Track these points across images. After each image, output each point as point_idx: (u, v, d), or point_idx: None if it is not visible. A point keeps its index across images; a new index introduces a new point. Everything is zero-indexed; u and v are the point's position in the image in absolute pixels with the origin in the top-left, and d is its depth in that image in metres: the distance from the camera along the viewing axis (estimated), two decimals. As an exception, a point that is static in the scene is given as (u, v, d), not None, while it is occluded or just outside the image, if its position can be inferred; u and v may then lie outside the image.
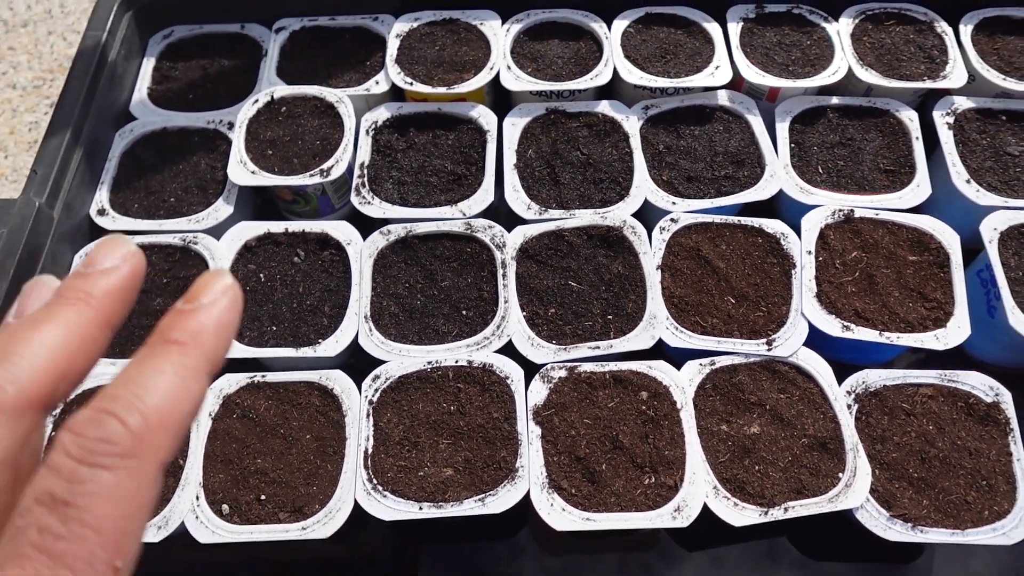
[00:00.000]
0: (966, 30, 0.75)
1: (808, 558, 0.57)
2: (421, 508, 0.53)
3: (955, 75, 0.71)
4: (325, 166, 0.70)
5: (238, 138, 0.72)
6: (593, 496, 0.53)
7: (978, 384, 0.56)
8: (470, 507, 0.53)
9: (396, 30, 0.79)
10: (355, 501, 0.54)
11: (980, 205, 0.64)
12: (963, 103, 0.70)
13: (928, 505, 0.52)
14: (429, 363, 0.60)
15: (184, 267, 0.67)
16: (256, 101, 0.75)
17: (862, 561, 0.57)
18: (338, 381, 0.60)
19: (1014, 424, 0.54)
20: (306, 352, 0.61)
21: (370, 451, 0.56)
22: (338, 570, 0.62)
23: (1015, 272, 0.60)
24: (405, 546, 0.62)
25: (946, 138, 0.68)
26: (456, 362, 0.60)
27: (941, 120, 0.69)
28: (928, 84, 0.71)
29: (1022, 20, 0.75)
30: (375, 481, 0.55)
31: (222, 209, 0.69)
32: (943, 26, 0.75)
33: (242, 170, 0.70)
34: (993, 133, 0.69)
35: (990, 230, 0.62)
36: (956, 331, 0.58)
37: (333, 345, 0.62)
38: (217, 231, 0.68)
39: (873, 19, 0.76)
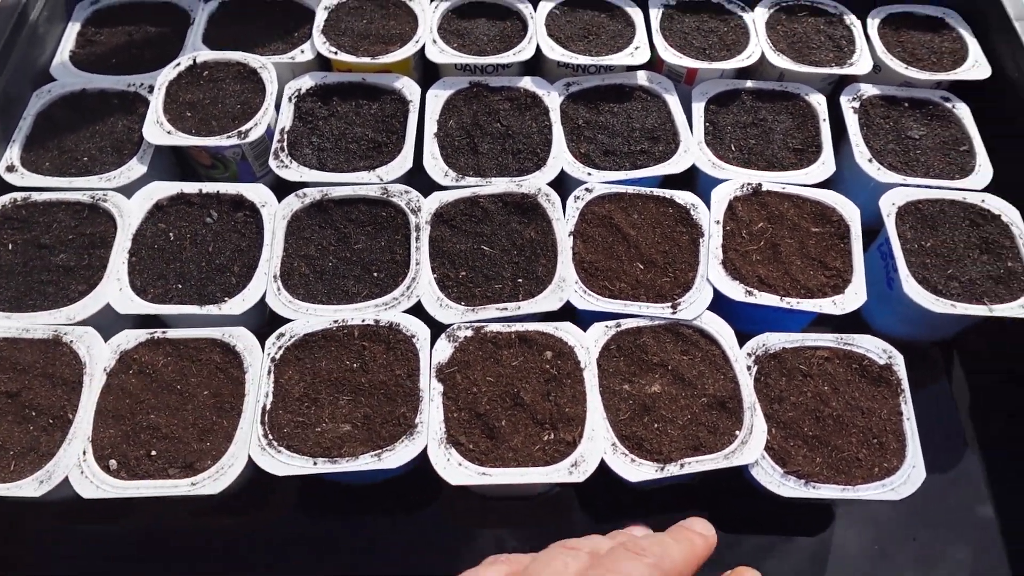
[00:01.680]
0: (873, 23, 0.74)
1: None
2: (315, 463, 0.49)
3: (861, 63, 0.70)
4: (243, 128, 0.66)
5: (156, 99, 0.67)
6: (491, 451, 0.49)
7: (872, 347, 0.54)
8: (366, 462, 0.49)
9: (325, 2, 0.75)
10: (248, 457, 0.50)
11: (881, 182, 0.62)
12: (869, 90, 0.69)
13: (821, 462, 0.50)
14: (335, 322, 0.56)
15: (92, 224, 0.62)
16: (178, 64, 0.70)
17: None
18: (240, 338, 0.55)
19: (905, 385, 0.52)
20: (210, 310, 0.57)
21: (268, 407, 0.52)
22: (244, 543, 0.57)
23: (911, 244, 0.59)
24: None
25: (851, 121, 0.67)
26: (363, 321, 0.56)
27: (848, 104, 0.68)
28: (835, 70, 0.69)
29: (925, 16, 0.75)
30: (270, 437, 0.51)
31: (135, 168, 0.64)
32: (852, 19, 0.74)
33: (158, 130, 0.65)
34: (896, 118, 0.68)
35: (889, 205, 0.60)
36: (853, 297, 0.56)
37: (239, 303, 0.57)
38: (129, 191, 0.63)
39: (787, 10, 0.75)
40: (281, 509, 0.57)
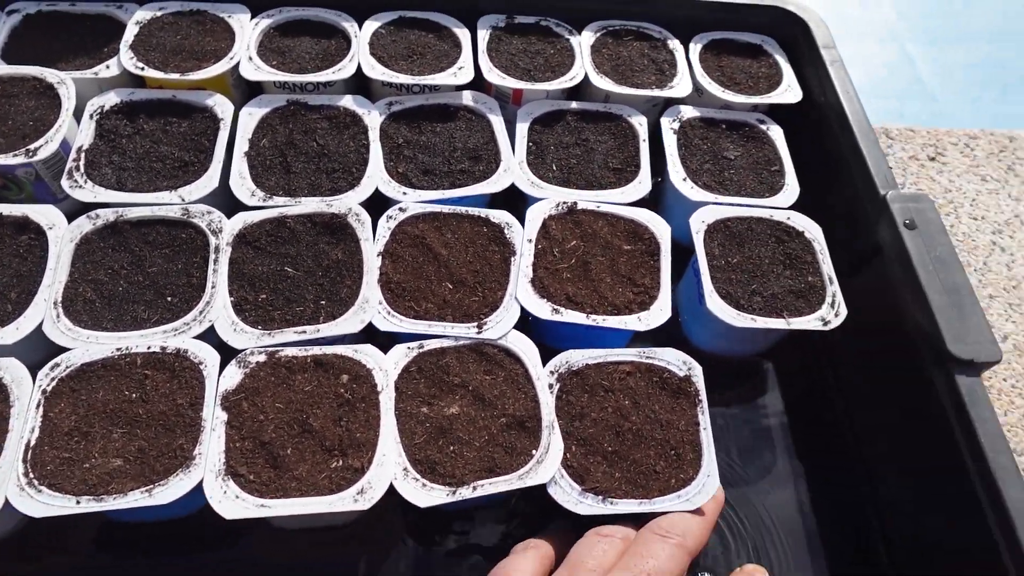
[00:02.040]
0: (695, 48, 0.78)
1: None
2: (79, 502, 0.47)
3: (681, 86, 0.74)
4: (32, 146, 0.64)
5: (-66, 115, 0.64)
6: (273, 482, 0.48)
7: (673, 360, 0.56)
8: (135, 499, 0.47)
9: (137, 17, 0.74)
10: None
11: (693, 201, 0.65)
12: (689, 112, 0.73)
13: (620, 477, 0.51)
14: (118, 350, 0.54)
15: None
16: (-36, 79, 0.67)
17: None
18: (9, 370, 0.53)
19: (703, 395, 0.54)
20: (-21, 340, 0.54)
21: (32, 444, 0.49)
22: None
23: (718, 260, 0.62)
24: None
25: (670, 141, 0.70)
26: (149, 348, 0.54)
27: (668, 126, 0.71)
28: (656, 92, 0.73)
29: (745, 43, 0.80)
30: (31, 475, 0.48)
31: (-95, 188, 0.61)
32: (675, 44, 0.78)
33: (-67, 147, 0.62)
34: (714, 139, 0.72)
35: (698, 223, 0.63)
36: (658, 313, 0.58)
37: (12, 332, 0.55)
38: None
39: (613, 34, 0.79)
40: (79, 552, 0.55)
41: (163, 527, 0.55)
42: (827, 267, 0.62)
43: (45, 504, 0.47)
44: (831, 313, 0.59)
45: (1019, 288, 0.81)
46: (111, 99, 0.68)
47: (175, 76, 0.69)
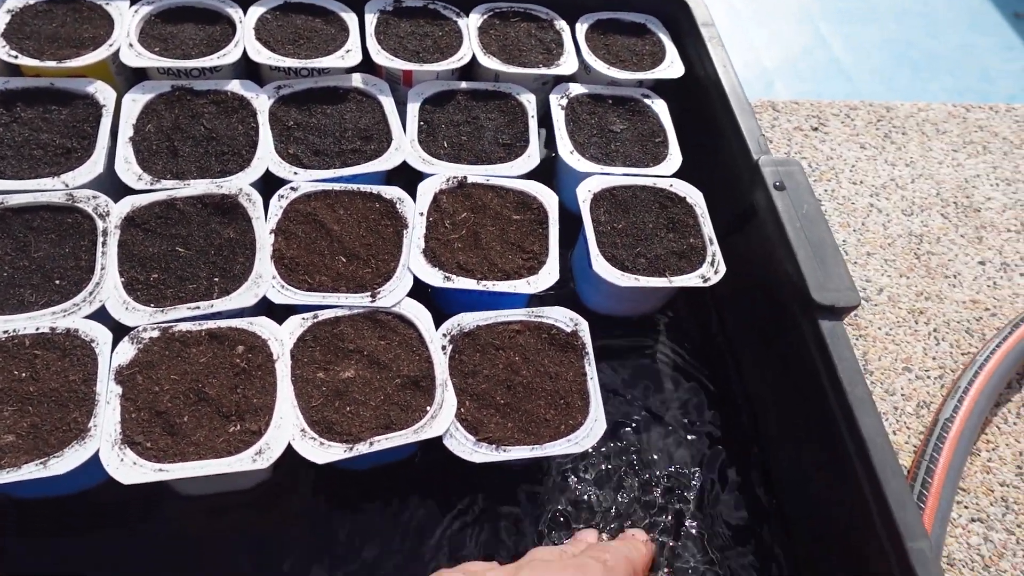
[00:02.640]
0: (582, 28, 0.85)
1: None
2: (-29, 479, 0.50)
3: (567, 64, 0.81)
4: (-97, 136, 0.66)
5: None
6: (171, 448, 0.52)
7: (560, 317, 0.62)
8: (30, 471, 0.50)
9: (8, 5, 0.77)
10: None
11: (580, 172, 0.72)
12: (576, 88, 0.80)
13: (512, 427, 0.57)
14: (4, 332, 0.57)
15: None
16: None
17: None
18: None
19: (589, 348, 0.61)
20: None
21: (-82, 427, 0.52)
22: None
23: (604, 227, 0.69)
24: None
25: (558, 116, 0.77)
26: (37, 329, 0.57)
27: (556, 102, 0.79)
28: (543, 70, 0.80)
29: (629, 22, 0.88)
30: (-81, 457, 0.51)
31: None
32: (562, 24, 0.86)
33: None
34: (600, 114, 0.79)
35: (585, 192, 0.70)
36: (546, 276, 0.64)
37: None
38: None
39: (501, 16, 0.85)
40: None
41: (72, 503, 0.58)
42: (708, 229, 0.70)
43: (-65, 484, 0.50)
44: (711, 271, 0.67)
45: (894, 245, 0.91)
46: (-15, 88, 0.71)
47: (52, 64, 0.72)
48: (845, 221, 0.93)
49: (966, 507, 0.74)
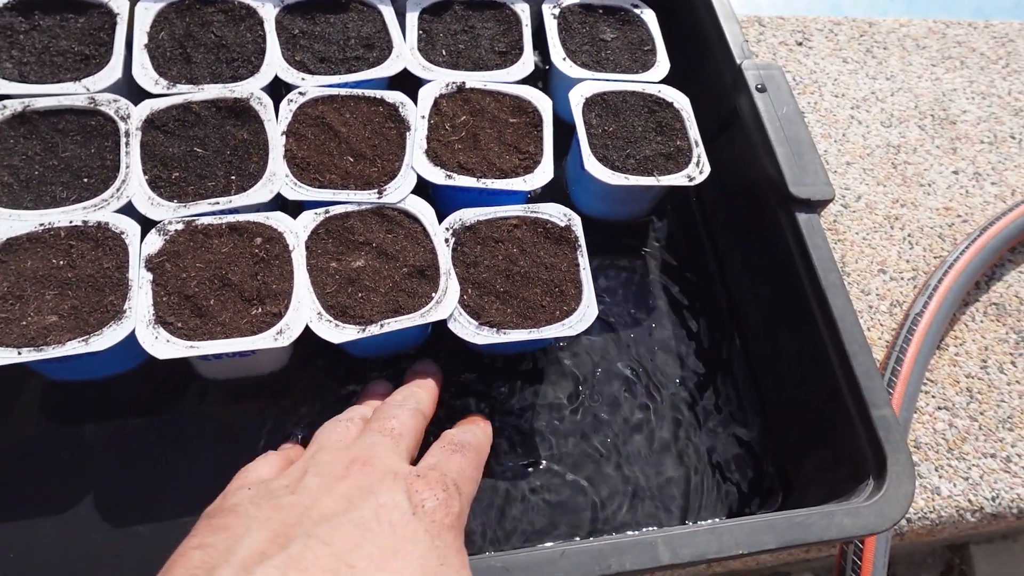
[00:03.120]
0: (575, -61, 0.87)
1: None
2: (20, 353, 0.55)
3: (561, -26, 0.84)
4: (-72, 42, 0.69)
5: None
6: (200, 328, 0.57)
7: (555, 212, 0.67)
8: (73, 347, 0.55)
9: (20, -84, 0.78)
10: (-51, 355, 0.55)
11: (572, 78, 0.76)
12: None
13: (511, 312, 0.62)
14: (41, 225, 0.61)
15: None
16: None
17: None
18: (-63, 246, 0.59)
19: (582, 242, 0.65)
20: (-99, 223, 0.60)
21: (-32, 308, 0.57)
22: None
23: (596, 130, 0.73)
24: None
25: (551, 26, 0.80)
26: (71, 222, 0.62)
27: (548, 12, 0.81)
28: (537, -20, 0.82)
29: (622, -67, 0.90)
30: (-29, 334, 0.56)
31: None
32: (556, -66, 0.88)
33: None
34: (592, 24, 0.82)
35: (577, 96, 0.74)
36: (541, 174, 0.68)
37: (-67, 217, 0.61)
38: None
39: (497, -73, 0.87)
40: (27, 422, 0.63)
41: (104, 388, 0.63)
42: (693, 132, 0.74)
43: (-12, 358, 0.55)
44: (696, 171, 0.71)
45: (872, 155, 0.95)
46: (3, -3, 0.74)
47: (67, -28, 0.75)
48: (827, 132, 0.97)
49: (933, 396, 0.80)
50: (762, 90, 0.72)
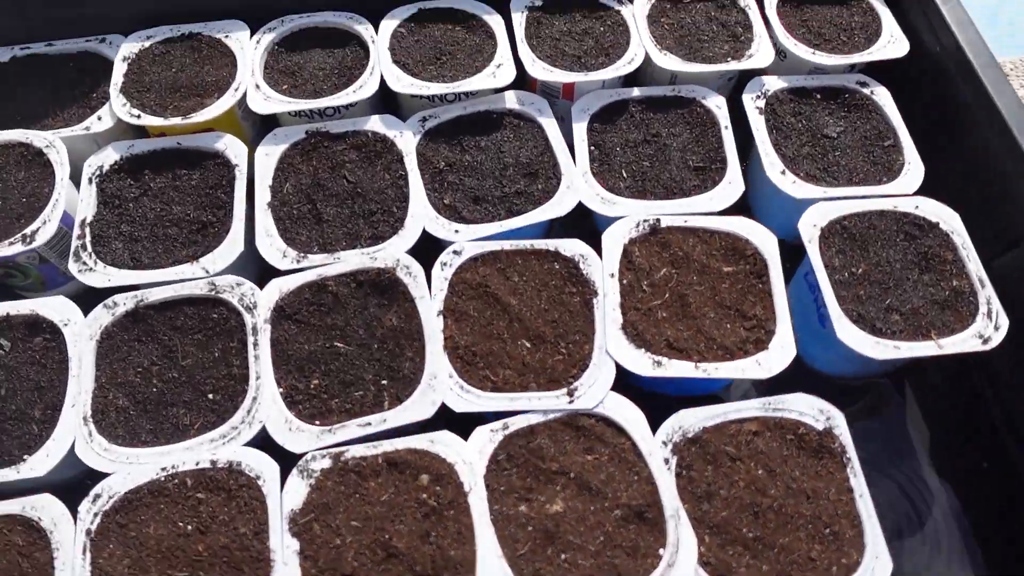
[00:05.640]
0: (771, 3, 0.67)
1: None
2: (145, 672, 0.42)
3: (761, 53, 0.64)
4: (29, 230, 0.57)
5: (-84, 206, 0.58)
6: (364, 626, 0.43)
7: (806, 409, 0.48)
8: (208, 663, 0.42)
9: (124, 52, 0.66)
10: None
11: (797, 199, 0.56)
12: (774, 83, 0.63)
13: (768, 570, 0.44)
14: (163, 470, 0.48)
15: None
16: (-58, 156, 0.60)
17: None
18: (46, 509, 0.47)
19: (851, 452, 0.47)
20: (7, 475, 0.49)
21: (83, 602, 0.44)
22: None
23: (840, 273, 0.53)
24: None
25: (757, 124, 0.61)
26: (197, 464, 0.48)
27: (751, 104, 0.62)
28: (732, 65, 0.63)
29: (828, -15, 0.69)
30: (87, 642, 0.43)
31: None
32: (747, 0, 0.68)
33: (-80, 247, 0.56)
34: (808, 114, 0.62)
35: (810, 227, 0.54)
36: (780, 353, 0.50)
37: (43, 461, 0.49)
38: None
39: (671, -3, 0.69)
40: None
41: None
42: (974, 264, 0.53)
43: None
44: (989, 326, 0.50)
45: None
46: (109, 156, 0.61)
47: (177, 120, 0.61)
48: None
49: None
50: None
